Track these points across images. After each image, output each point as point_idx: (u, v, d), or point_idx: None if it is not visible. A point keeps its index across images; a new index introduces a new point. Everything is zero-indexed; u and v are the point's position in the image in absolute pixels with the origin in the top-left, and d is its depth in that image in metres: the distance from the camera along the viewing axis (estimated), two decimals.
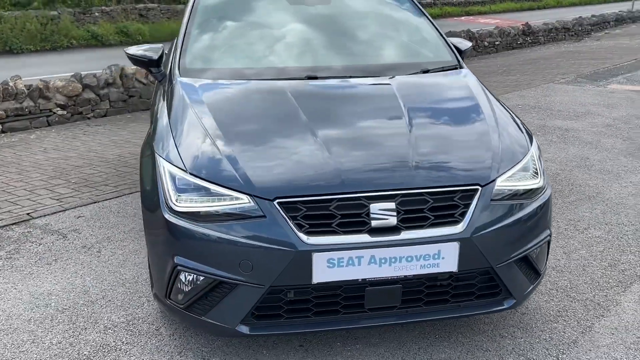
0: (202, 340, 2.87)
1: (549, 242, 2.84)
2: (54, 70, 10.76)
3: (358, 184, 2.47)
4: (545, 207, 2.78)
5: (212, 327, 2.55)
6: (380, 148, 2.68)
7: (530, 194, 2.73)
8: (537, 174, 2.82)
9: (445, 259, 2.49)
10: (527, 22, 18.68)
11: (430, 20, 3.91)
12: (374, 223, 2.42)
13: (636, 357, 2.81)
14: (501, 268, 2.59)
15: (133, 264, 3.58)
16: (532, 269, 2.78)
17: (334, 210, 2.41)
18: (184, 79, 3.23)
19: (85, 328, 2.97)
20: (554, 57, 13.39)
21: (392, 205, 2.44)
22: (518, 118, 3.20)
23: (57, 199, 4.69)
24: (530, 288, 2.79)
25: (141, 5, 20.43)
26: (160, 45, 3.69)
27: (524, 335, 2.96)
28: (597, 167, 5.46)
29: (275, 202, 2.39)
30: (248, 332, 2.50)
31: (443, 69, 3.53)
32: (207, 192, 2.48)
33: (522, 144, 2.87)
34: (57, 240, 3.94)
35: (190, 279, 2.50)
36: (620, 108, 7.72)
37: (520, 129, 3.01)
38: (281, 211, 2.38)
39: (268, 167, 2.53)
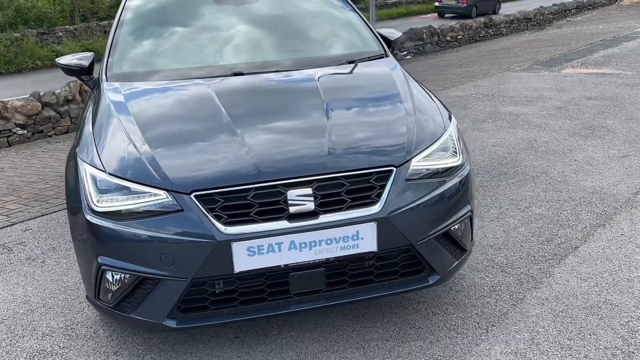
0: (139, 339, 2.90)
1: (471, 218, 2.91)
2: (19, 92, 10.69)
3: (274, 172, 2.52)
4: (464, 184, 2.86)
5: (141, 324, 2.59)
6: (298, 137, 2.74)
7: (448, 172, 2.81)
8: (456, 153, 2.90)
9: (365, 240, 2.55)
10: (489, 15, 18.93)
11: (358, 14, 3.99)
12: (292, 209, 2.48)
13: (563, 323, 2.89)
14: (421, 245, 2.66)
15: (76, 271, 3.60)
16: (455, 244, 2.85)
17: (251, 199, 2.46)
18: (110, 84, 3.27)
19: (23, 336, 2.99)
20: (514, 47, 13.58)
21: (309, 190, 2.50)
22: (439, 100, 3.28)
23: (6, 215, 4.69)
24: (456, 264, 2.86)
25: (105, 22, 20.39)
26: (90, 53, 3.73)
27: (456, 311, 3.04)
28: (544, 148, 5.57)
29: (192, 196, 2.44)
30: (175, 326, 2.54)
31: (369, 59, 3.60)
32: (128, 191, 2.52)
33: (439, 125, 2.95)
34: (2, 254, 3.95)
35: (116, 278, 2.53)
36: (571, 91, 7.87)
37: (438, 111, 3.09)
38: (198, 204, 2.43)
39: (185, 162, 2.57)
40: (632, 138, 5.72)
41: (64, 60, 3.66)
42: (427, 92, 3.29)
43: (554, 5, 22.77)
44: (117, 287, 2.55)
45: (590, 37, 13.66)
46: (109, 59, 3.48)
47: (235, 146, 2.63)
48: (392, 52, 4.03)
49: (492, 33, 18.50)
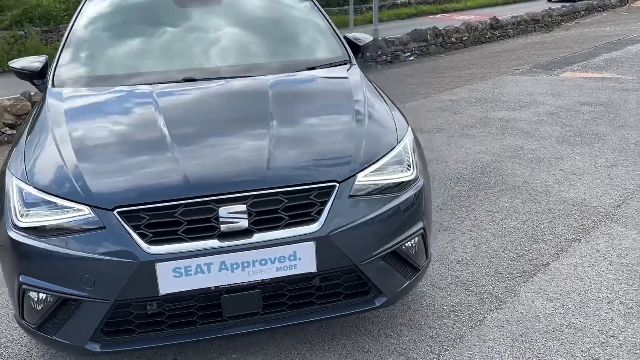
0: (74, 359, 2.77)
1: (424, 235, 2.75)
2: (20, 90, 10.64)
3: (205, 187, 2.38)
4: (417, 199, 2.70)
5: (63, 347, 2.46)
6: (236, 150, 2.59)
7: (400, 187, 2.66)
8: (410, 167, 2.75)
9: (303, 260, 2.41)
10: (495, 16, 18.67)
11: (325, 18, 3.83)
12: (223, 227, 2.34)
13: (520, 349, 2.72)
14: (366, 265, 2.51)
15: None
16: (406, 264, 2.69)
17: (179, 216, 2.32)
18: (53, 89, 3.14)
19: None
20: (518, 49, 13.35)
21: (242, 207, 2.36)
22: (398, 111, 3.12)
23: None
24: (407, 284, 2.70)
25: None
26: (44, 56, 3.60)
27: (410, 333, 2.88)
28: (529, 156, 5.39)
29: (114, 212, 2.30)
30: (99, 350, 2.40)
31: (331, 65, 3.44)
32: (54, 206, 2.38)
33: (392, 137, 2.79)
34: None
35: (39, 298, 2.40)
36: (567, 96, 7.66)
37: (394, 122, 2.92)
38: (121, 221, 2.29)
39: (111, 176, 2.43)
40: (622, 146, 5.52)
41: (16, 63, 3.54)
42: (386, 102, 3.12)
43: (562, 6, 22.43)
44: (40, 307, 2.41)
45: (595, 39, 13.40)
46: (58, 63, 3.36)
47: (167, 159, 2.49)
48: (361, 58, 3.88)
49: (499, 35, 18.24)
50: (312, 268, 2.42)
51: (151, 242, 2.28)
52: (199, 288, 2.34)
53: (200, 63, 3.37)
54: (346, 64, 3.48)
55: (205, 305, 2.41)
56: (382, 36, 14.69)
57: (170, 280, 2.30)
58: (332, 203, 2.45)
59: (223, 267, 2.33)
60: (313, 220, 2.42)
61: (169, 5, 3.76)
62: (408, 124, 3.00)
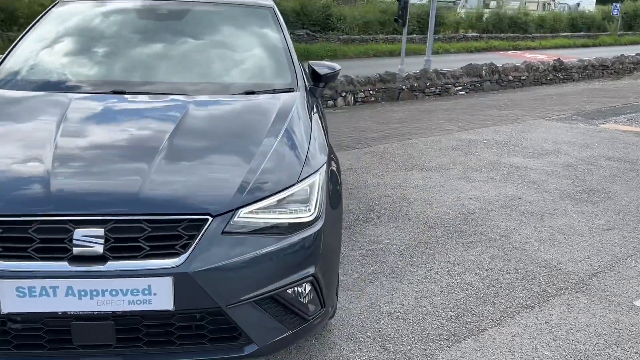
0: None
1: (314, 282, 2.54)
2: None
3: (64, 206, 2.26)
4: (309, 243, 2.50)
5: None
6: (113, 171, 2.46)
7: (292, 228, 2.46)
8: (311, 208, 2.54)
9: (158, 296, 2.25)
10: (559, 58, 18.03)
11: (286, 41, 3.67)
12: (75, 250, 2.21)
13: None
14: (234, 309, 2.33)
15: None
16: (290, 312, 2.48)
17: (32, 233, 2.20)
18: None
19: None
20: (571, 94, 12.77)
21: (100, 231, 2.22)
22: (326, 146, 2.94)
23: None
24: (288, 334, 2.49)
25: None
26: None
27: None
28: (523, 208, 5.03)
29: None
30: None
31: (274, 91, 3.28)
32: None
33: (293, 173, 2.59)
34: None
35: None
36: (594, 148, 7.18)
37: (305, 158, 2.72)
38: None
39: None
40: (629, 209, 5.07)
41: None
42: (310, 136, 2.91)
43: (637, 54, 21.44)
44: None
45: None
46: (2, 63, 3.34)
47: (39, 173, 2.39)
48: (322, 87, 3.71)
49: (562, 77, 17.57)
50: (169, 306, 2.26)
51: (0, 257, 2.18)
52: (44, 311, 2.21)
53: (136, 77, 3.28)
54: (291, 91, 3.30)
55: (54, 330, 2.28)
56: (434, 68, 14.39)
57: (14, 299, 2.18)
58: (201, 238, 2.29)
59: (70, 292, 2.20)
60: (176, 254, 2.26)
61: (129, 18, 3.72)
62: (325, 162, 2.78)
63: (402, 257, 4.00)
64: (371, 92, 12.29)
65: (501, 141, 7.40)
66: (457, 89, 14.68)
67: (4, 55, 3.39)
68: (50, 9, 3.77)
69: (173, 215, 2.29)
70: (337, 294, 2.96)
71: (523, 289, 3.63)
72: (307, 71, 3.88)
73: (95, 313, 2.24)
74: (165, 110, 2.94)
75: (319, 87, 3.71)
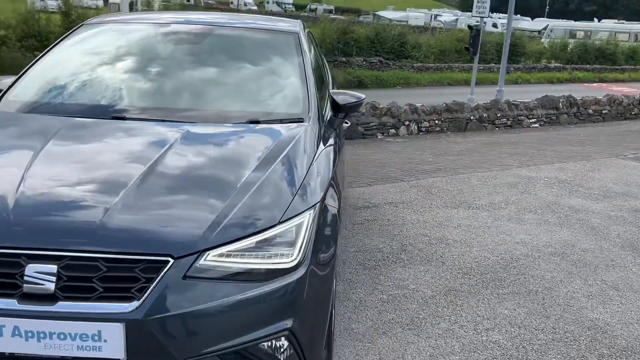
0: None
1: (291, 338, 2.26)
2: None
3: (19, 238, 2.11)
4: (288, 293, 2.25)
5: None
6: (76, 204, 2.29)
7: (269, 274, 2.22)
8: (293, 253, 2.28)
9: (109, 343, 2.05)
10: None
11: (305, 69, 3.42)
12: (26, 287, 2.05)
13: None
14: None
15: None
16: None
17: None
18: None
19: None
20: None
21: (53, 268, 2.05)
22: (331, 184, 2.69)
23: None
24: None
25: None
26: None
27: None
28: (575, 257, 4.54)
29: None
30: None
31: (281, 122, 3.05)
32: None
33: (276, 213, 2.33)
34: None
35: None
36: None
37: (293, 196, 2.45)
38: None
39: None
40: None
41: None
42: (307, 172, 2.64)
43: None
44: None
45: None
46: (14, 84, 3.29)
47: (2, 202, 2.24)
48: (342, 118, 3.46)
49: None
50: (120, 355, 2.06)
51: None
52: None
53: (141, 102, 3.15)
54: (300, 121, 3.06)
55: None
56: (507, 98, 13.81)
57: None
58: (159, 282, 2.08)
59: (16, 332, 2.04)
60: (131, 299, 2.05)
61: (147, 42, 3.61)
62: (318, 203, 2.50)
63: (426, 306, 3.64)
64: (436, 121, 11.87)
65: (564, 180, 6.86)
66: (531, 121, 14.00)
67: (19, 76, 3.33)
68: (73, 31, 3.72)
69: (131, 255, 2.09)
70: (330, 349, 2.67)
71: (558, 353, 3.20)
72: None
73: (41, 356, 2.05)
74: (153, 140, 2.75)
75: (337, 117, 3.45)
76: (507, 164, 7.66)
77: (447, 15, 56.91)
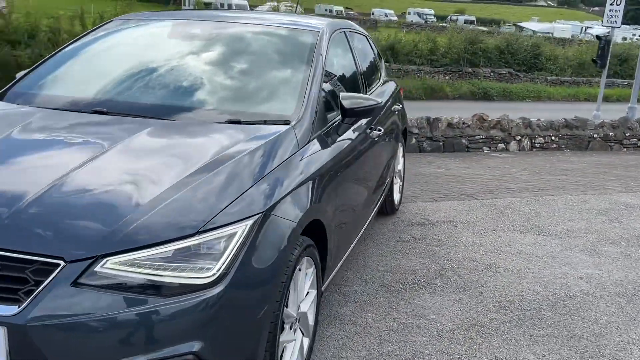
0: None
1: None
2: None
3: None
4: (198, 311, 2.01)
5: None
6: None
7: (180, 288, 2.00)
8: (211, 266, 2.04)
9: None
10: None
11: (313, 70, 3.12)
12: None
13: None
14: None
15: None
16: None
17: None
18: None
19: None
20: None
21: None
22: (301, 198, 2.44)
23: None
24: None
25: None
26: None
27: None
28: None
29: None
30: None
31: (265, 122, 2.80)
32: None
33: (195, 221, 2.09)
34: None
35: None
36: None
37: (235, 203, 2.20)
38: None
39: None
40: None
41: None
42: (260, 179, 2.37)
43: None
44: None
45: None
46: (25, 76, 3.33)
47: None
48: (351, 124, 3.15)
49: None
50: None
51: None
52: None
53: (125, 97, 3.05)
54: (286, 124, 2.78)
55: None
56: (638, 117, 12.46)
57: None
58: (47, 286, 1.92)
59: None
60: (17, 301, 1.91)
61: (158, 38, 3.56)
62: (266, 212, 2.23)
63: (438, 340, 3.21)
64: (552, 137, 10.95)
65: (603, 210, 5.94)
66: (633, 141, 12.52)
67: (30, 70, 3.37)
68: (100, 26, 3.72)
69: (25, 254, 1.96)
70: None
71: None
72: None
73: None
74: (105, 136, 2.62)
75: (344, 122, 3.13)
76: (609, 188, 6.81)
77: (598, 28, 53.15)
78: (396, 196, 5.15)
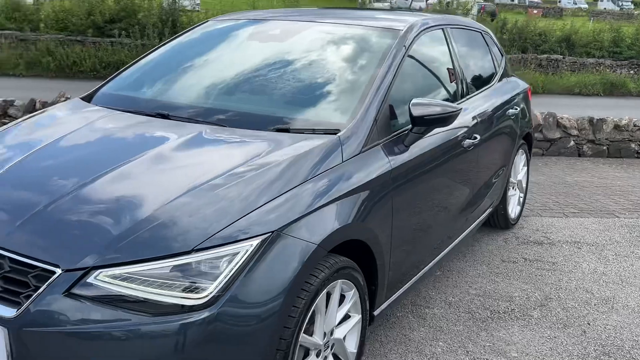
0: None
1: None
2: None
3: None
4: (177, 334, 1.91)
5: None
6: (13, 198, 2.27)
7: (170, 307, 1.93)
8: (205, 287, 1.94)
9: None
10: None
11: (385, 75, 2.85)
12: None
13: None
14: None
15: None
16: None
17: None
18: (78, 101, 3.21)
19: None
20: None
21: None
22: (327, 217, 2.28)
23: None
24: None
25: None
26: None
27: None
28: None
29: None
30: None
31: (314, 132, 2.62)
32: None
33: (199, 237, 1.99)
34: None
35: None
36: None
37: (243, 220, 2.07)
38: None
39: None
40: None
41: None
42: (280, 196, 2.20)
43: None
44: None
45: None
46: (114, 77, 3.46)
47: None
48: (421, 132, 2.86)
49: None
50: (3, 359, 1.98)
51: None
52: None
53: (184, 100, 3.03)
54: (334, 134, 2.56)
55: None
56: None
57: None
58: (42, 292, 1.96)
59: None
60: (18, 304, 1.97)
61: (239, 39, 3.51)
62: (273, 234, 2.07)
63: None
64: None
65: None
66: None
67: (122, 70, 3.50)
68: (197, 26, 3.77)
69: (31, 259, 2.01)
70: None
71: None
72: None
73: None
74: (146, 142, 2.59)
75: (412, 131, 2.83)
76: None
77: None
78: (512, 209, 4.66)
